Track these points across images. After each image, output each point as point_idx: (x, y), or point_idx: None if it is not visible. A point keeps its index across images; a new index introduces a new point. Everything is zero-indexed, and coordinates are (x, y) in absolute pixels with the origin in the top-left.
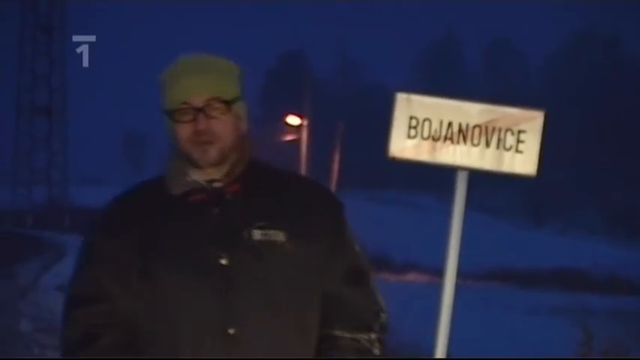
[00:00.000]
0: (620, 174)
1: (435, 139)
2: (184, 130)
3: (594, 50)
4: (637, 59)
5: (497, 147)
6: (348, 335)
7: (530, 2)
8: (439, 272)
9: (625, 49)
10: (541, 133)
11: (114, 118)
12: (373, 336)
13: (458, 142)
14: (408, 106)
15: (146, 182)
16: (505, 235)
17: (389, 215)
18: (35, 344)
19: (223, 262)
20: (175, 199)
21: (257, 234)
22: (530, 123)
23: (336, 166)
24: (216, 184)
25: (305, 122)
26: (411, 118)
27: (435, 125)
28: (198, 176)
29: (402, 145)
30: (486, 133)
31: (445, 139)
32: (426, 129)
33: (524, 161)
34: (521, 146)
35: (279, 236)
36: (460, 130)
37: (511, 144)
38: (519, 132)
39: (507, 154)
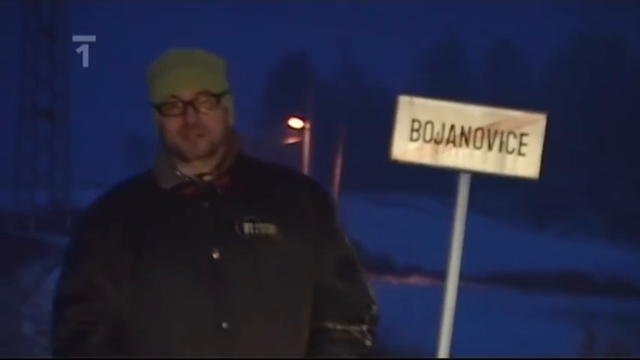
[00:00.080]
0: (623, 177)
1: (438, 142)
2: (173, 124)
3: (597, 53)
4: None
5: (500, 150)
6: (340, 327)
7: (533, 5)
8: (441, 275)
9: (628, 51)
10: (543, 136)
11: (116, 121)
12: (365, 328)
13: (460, 145)
14: (411, 108)
15: (134, 177)
16: (507, 238)
17: (391, 218)
18: (37, 347)
19: (215, 255)
20: (165, 193)
21: (248, 227)
22: (533, 126)
23: (338, 169)
24: (206, 178)
25: (307, 125)
26: (414, 120)
27: (438, 128)
28: (187, 170)
29: (405, 148)
30: (489, 136)
31: (447, 141)
32: (428, 132)
33: (526, 164)
34: (523, 149)
35: (270, 229)
36: (462, 133)
37: (513, 147)
38: (522, 135)
39: (510, 157)
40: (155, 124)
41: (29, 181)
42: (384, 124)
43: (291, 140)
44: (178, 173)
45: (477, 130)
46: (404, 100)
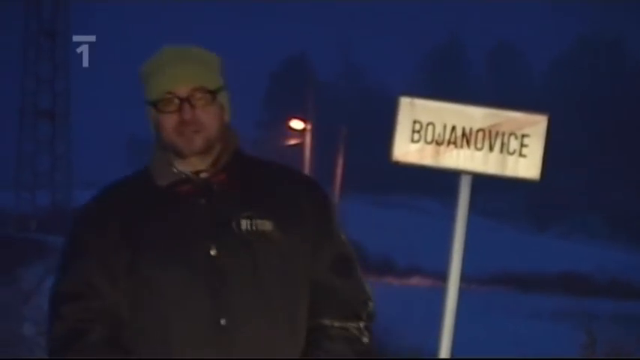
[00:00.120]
0: (624, 178)
1: (439, 144)
2: (169, 120)
3: (597, 54)
4: None
5: (501, 151)
6: (337, 324)
7: (534, 6)
8: (443, 276)
9: (629, 53)
10: (545, 138)
11: (117, 122)
12: (362, 324)
13: (461, 147)
14: (412, 110)
15: (130, 175)
16: (508, 240)
17: (392, 219)
18: (38, 347)
19: (212, 252)
20: (161, 190)
21: (245, 224)
22: (534, 127)
23: (339, 170)
24: (203, 175)
25: (308, 126)
26: (415, 122)
27: (439, 129)
28: (183, 167)
29: (406, 150)
30: (490, 138)
31: (449, 143)
32: (429, 133)
33: (527, 165)
34: (524, 150)
35: (267, 225)
36: (464, 134)
37: (515, 148)
38: (523, 136)
39: (511, 159)
40: (150, 122)
41: (30, 181)
42: (385, 125)
43: (292, 141)
44: (175, 170)
45: (478, 131)
46: (405, 102)
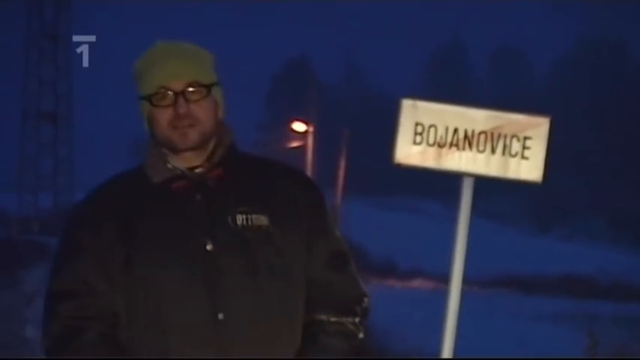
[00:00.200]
0: (626, 180)
1: (441, 146)
2: (164, 115)
3: (600, 55)
4: None
5: (503, 153)
6: (333, 319)
7: (536, 7)
8: (445, 279)
9: (631, 54)
10: (547, 140)
11: (119, 124)
12: (357, 320)
13: (463, 149)
14: (414, 112)
15: (125, 172)
16: (510, 242)
17: (394, 221)
18: (40, 350)
19: (209, 247)
20: (156, 187)
21: (240, 218)
22: (536, 129)
23: (341, 173)
24: (198, 171)
25: (311, 128)
26: (417, 124)
27: (441, 131)
28: (177, 163)
29: (408, 152)
30: (492, 140)
31: (451, 145)
32: (431, 135)
33: (529, 168)
34: (527, 152)
35: (262, 220)
36: (466, 137)
37: (517, 150)
38: (525, 138)
39: (513, 161)
40: (144, 119)
41: (32, 183)
42: (387, 127)
43: (295, 144)
44: (169, 166)
45: (480, 133)
46: (407, 104)
